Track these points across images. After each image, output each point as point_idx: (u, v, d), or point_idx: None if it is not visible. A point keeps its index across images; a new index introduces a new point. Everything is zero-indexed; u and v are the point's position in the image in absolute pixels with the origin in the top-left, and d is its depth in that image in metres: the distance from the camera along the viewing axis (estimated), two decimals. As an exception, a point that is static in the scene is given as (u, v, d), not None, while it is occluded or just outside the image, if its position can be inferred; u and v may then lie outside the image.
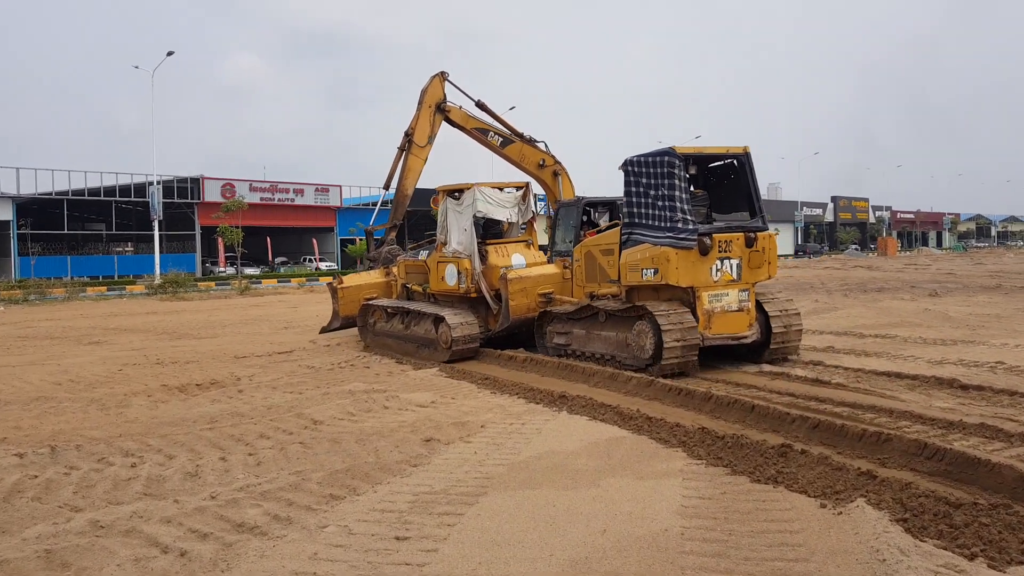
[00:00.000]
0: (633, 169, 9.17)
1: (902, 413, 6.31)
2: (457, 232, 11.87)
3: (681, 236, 8.52)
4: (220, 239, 39.46)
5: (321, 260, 54.86)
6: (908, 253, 77.25)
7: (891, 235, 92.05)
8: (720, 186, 9.66)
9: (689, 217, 8.59)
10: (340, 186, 55.92)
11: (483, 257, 11.53)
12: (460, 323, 10.94)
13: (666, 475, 5.08)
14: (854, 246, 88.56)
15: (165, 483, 5.26)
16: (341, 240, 55.12)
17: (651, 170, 8.92)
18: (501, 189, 12.05)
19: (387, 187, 14.68)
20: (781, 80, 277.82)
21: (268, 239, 53.33)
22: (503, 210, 11.82)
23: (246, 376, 10.05)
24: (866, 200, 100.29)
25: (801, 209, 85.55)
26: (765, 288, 9.79)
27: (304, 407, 7.76)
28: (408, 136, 14.24)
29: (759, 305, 9.15)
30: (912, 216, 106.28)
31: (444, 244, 12.10)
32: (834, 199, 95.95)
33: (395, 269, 13.90)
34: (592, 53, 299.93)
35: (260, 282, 39.26)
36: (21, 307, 26.21)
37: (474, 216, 11.47)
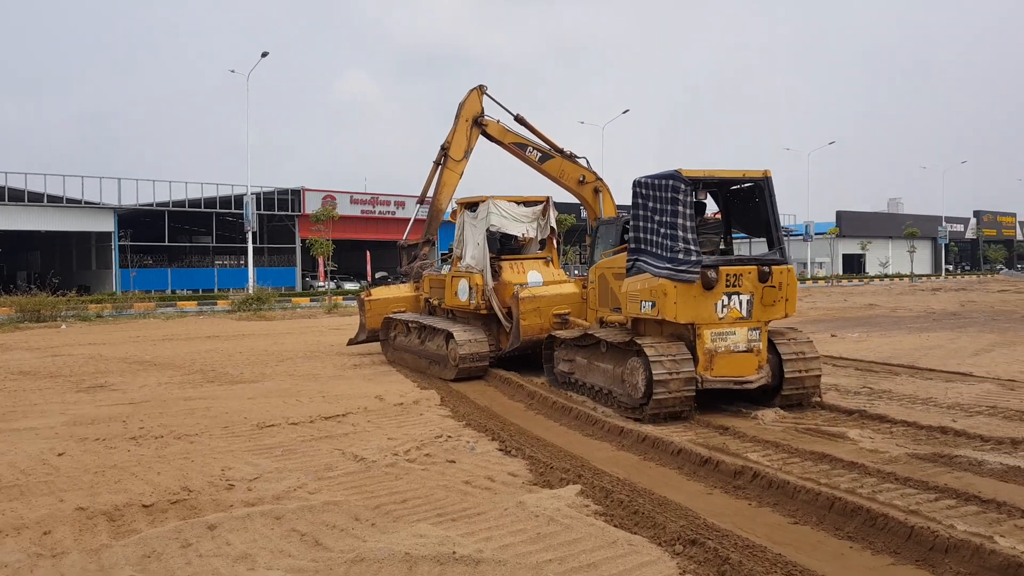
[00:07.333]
0: (641, 191, 8.31)
1: None
2: (471, 246, 11.45)
3: (681, 268, 7.73)
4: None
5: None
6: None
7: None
8: (746, 209, 8.86)
9: (692, 247, 7.74)
10: (441, 198, 52.83)
11: (496, 273, 11.06)
12: (468, 340, 10.57)
13: None
14: (1000, 266, 79.35)
15: None
16: (442, 255, 51.72)
17: (657, 193, 8.08)
18: (519, 203, 11.58)
19: (421, 201, 14.29)
20: (927, 84, 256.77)
21: (368, 253, 50.82)
22: (519, 225, 11.34)
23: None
24: (1013, 215, 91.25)
25: (945, 224, 76.36)
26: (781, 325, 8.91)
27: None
28: (444, 150, 13.65)
29: (772, 346, 8.21)
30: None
31: (460, 258, 11.74)
32: (977, 214, 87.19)
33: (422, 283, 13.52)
34: (711, 56, 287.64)
35: (353, 298, 36.17)
36: (88, 324, 23.70)
37: (487, 230, 11.00)
